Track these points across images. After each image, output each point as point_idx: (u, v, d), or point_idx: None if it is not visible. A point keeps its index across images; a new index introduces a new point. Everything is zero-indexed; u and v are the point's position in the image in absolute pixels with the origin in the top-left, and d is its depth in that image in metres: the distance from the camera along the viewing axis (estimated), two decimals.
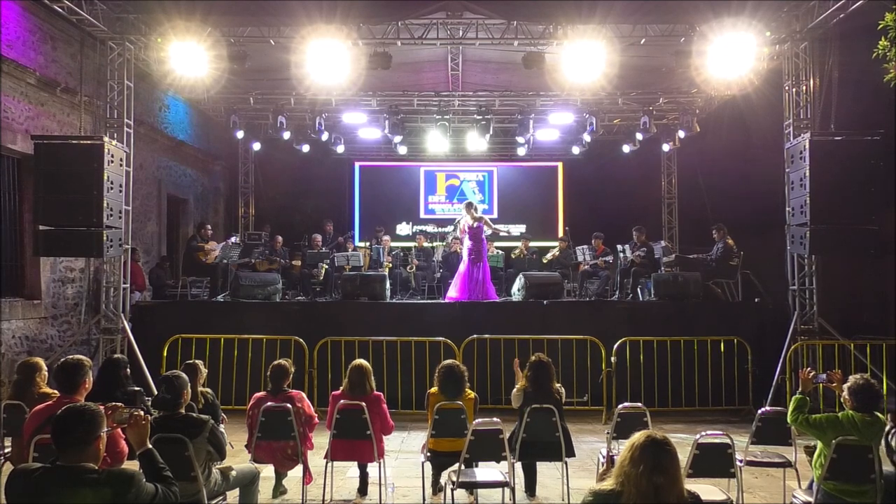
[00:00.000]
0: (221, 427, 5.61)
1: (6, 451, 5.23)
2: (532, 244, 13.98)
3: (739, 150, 12.12)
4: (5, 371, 8.54)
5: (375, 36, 9.67)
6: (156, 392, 4.95)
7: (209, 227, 12.77)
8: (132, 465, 3.37)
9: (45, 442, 4.09)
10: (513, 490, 5.14)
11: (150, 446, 3.32)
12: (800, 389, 4.83)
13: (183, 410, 4.57)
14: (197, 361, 5.64)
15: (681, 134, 13.47)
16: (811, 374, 4.91)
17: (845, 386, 4.57)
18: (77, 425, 2.97)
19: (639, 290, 11.28)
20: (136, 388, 5.57)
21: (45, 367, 5.34)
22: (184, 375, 4.70)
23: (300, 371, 8.43)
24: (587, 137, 13.84)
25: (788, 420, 4.75)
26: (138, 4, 9.18)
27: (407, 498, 5.88)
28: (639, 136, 13.88)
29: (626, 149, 14.63)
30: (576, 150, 15.16)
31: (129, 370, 5.93)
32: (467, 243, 11.10)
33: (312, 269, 12.46)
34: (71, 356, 4.68)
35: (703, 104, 13.35)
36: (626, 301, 11.12)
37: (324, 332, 9.15)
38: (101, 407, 3.20)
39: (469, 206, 11.43)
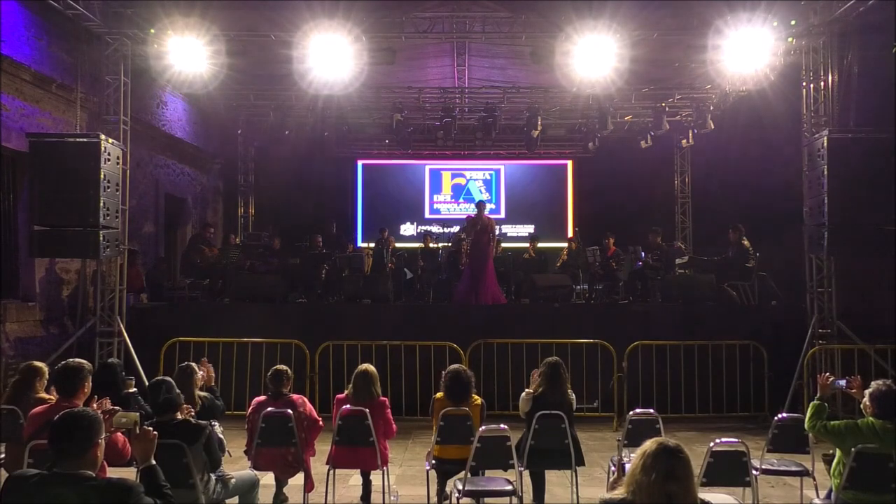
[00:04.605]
0: (219, 431, 5.47)
1: (1, 456, 5.11)
2: (540, 245, 13.73)
3: (755, 148, 11.86)
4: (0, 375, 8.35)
5: (379, 30, 9.46)
6: (148, 397, 4.83)
7: (212, 229, 12.64)
8: (129, 473, 3.31)
9: (42, 447, 4.04)
10: (521, 499, 5.06)
11: (154, 462, 3.22)
12: (818, 395, 4.79)
13: (179, 416, 4.50)
14: (192, 364, 5.51)
15: (695, 131, 13.20)
16: (830, 379, 4.89)
17: (866, 392, 4.52)
18: (75, 431, 2.91)
19: (651, 292, 11.02)
20: (132, 391, 5.46)
21: (46, 373, 5.24)
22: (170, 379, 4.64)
23: (301, 376, 8.27)
24: (598, 135, 13.59)
25: (806, 427, 4.73)
26: None
27: None
28: (651, 134, 13.64)
29: (638, 146, 14.30)
30: (586, 147, 14.90)
31: (124, 374, 5.82)
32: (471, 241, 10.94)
33: (314, 270, 12.22)
34: (71, 359, 4.68)
35: (717, 100, 13.04)
36: (637, 304, 10.92)
37: (325, 336, 8.98)
38: (100, 412, 3.18)
39: (480, 204, 11.32)
